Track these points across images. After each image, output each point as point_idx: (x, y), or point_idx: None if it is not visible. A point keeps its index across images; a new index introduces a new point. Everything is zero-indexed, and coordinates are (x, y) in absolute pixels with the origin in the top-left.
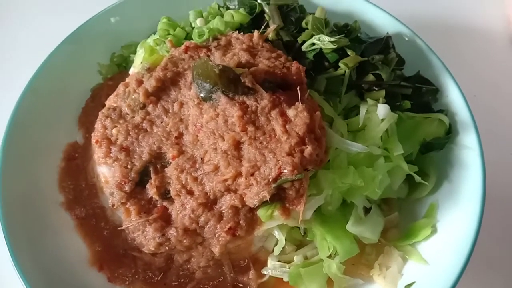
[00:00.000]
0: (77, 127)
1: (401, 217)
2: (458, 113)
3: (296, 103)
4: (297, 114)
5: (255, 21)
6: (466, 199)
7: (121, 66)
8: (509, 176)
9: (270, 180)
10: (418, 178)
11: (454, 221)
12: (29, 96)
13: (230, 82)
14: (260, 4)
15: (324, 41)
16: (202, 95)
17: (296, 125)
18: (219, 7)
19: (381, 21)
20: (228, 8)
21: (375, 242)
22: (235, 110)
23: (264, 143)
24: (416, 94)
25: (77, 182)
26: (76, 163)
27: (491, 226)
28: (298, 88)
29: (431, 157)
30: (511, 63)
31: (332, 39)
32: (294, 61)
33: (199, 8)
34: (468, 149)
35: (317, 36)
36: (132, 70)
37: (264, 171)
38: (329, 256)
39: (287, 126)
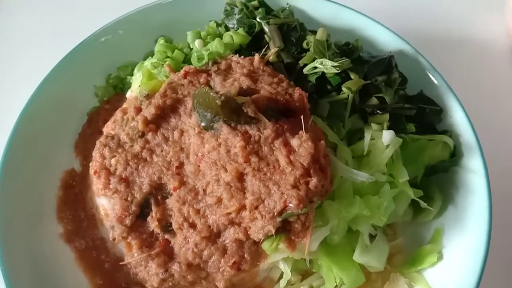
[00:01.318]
0: (74, 154)
1: (406, 241)
2: (463, 135)
3: (300, 132)
4: (301, 144)
5: (255, 40)
6: (472, 224)
7: (117, 88)
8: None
9: (275, 214)
10: (423, 204)
11: (461, 248)
12: (24, 123)
13: (232, 112)
14: (259, 23)
15: (326, 65)
16: (203, 124)
17: (301, 156)
18: (217, 24)
19: (383, 38)
20: (226, 27)
21: (381, 270)
22: (237, 140)
23: (268, 174)
24: (420, 114)
25: (75, 212)
26: (74, 192)
27: (499, 251)
28: (301, 116)
29: (435, 180)
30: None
31: (335, 64)
32: (297, 87)
33: (197, 26)
34: (473, 173)
35: (319, 60)
36: (130, 94)
37: (268, 204)
38: (335, 287)
39: (291, 157)
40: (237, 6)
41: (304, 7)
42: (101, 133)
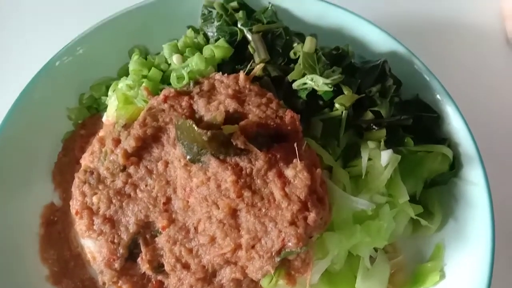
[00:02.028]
0: (52, 186)
1: (407, 258)
2: (462, 144)
3: (294, 161)
4: (297, 175)
5: (237, 51)
6: (475, 240)
7: (92, 108)
8: None
9: (274, 253)
10: (424, 222)
11: (464, 265)
12: None
13: (220, 145)
14: (241, 30)
15: (318, 82)
16: (189, 157)
17: (297, 188)
18: (194, 30)
19: (374, 38)
20: (205, 35)
21: None
22: (228, 174)
23: (263, 210)
24: (417, 122)
25: (60, 252)
26: (57, 230)
27: (504, 267)
28: (295, 143)
29: (435, 192)
30: (507, 62)
31: (327, 81)
32: (288, 110)
33: (172, 30)
34: (474, 185)
35: (309, 76)
36: (106, 118)
37: (266, 243)
38: None
39: (286, 189)
40: (214, 8)
41: (287, 6)
42: (78, 162)
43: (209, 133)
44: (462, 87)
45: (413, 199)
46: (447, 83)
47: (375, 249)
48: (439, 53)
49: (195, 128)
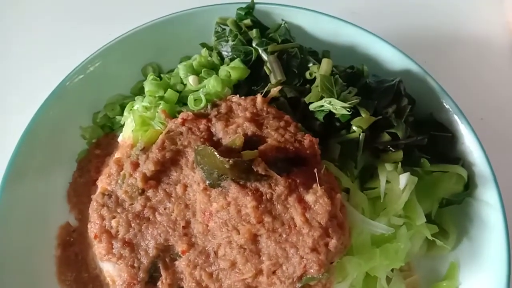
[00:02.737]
0: (67, 206)
1: (421, 275)
2: (476, 164)
3: (314, 185)
4: (317, 200)
5: (252, 70)
6: (490, 261)
7: (106, 127)
8: None
9: (295, 279)
10: (439, 243)
11: (479, 285)
12: (11, 177)
13: (241, 172)
14: (256, 49)
15: (336, 106)
16: (208, 182)
17: (317, 213)
18: (208, 48)
19: (388, 57)
20: (219, 54)
21: None
22: (248, 200)
23: (284, 235)
24: (431, 141)
25: (78, 273)
26: (74, 251)
27: None
28: (315, 169)
29: (449, 211)
30: None
31: (345, 105)
32: (306, 134)
33: (185, 51)
34: (489, 206)
35: (327, 100)
36: (121, 139)
37: (287, 269)
38: None
39: (307, 215)
40: (227, 26)
41: (301, 23)
42: (94, 183)
43: (231, 161)
44: (471, 99)
45: (428, 219)
46: (456, 95)
47: (391, 269)
48: (448, 66)
49: (217, 155)
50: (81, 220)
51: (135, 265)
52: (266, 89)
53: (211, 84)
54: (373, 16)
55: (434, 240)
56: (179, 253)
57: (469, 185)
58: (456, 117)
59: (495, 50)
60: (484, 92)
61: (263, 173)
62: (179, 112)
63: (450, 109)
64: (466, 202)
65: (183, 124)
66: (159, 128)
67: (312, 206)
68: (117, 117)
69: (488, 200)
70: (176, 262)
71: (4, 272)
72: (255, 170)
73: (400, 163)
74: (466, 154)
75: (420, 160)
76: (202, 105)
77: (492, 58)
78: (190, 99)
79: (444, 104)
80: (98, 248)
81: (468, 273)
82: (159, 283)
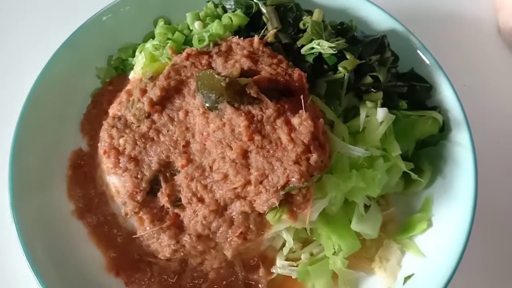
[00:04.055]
0: (80, 134)
1: (398, 211)
2: (451, 110)
3: (300, 111)
4: (302, 122)
5: (252, 21)
6: (460, 194)
7: (118, 69)
8: (497, 164)
9: (279, 187)
10: (414, 176)
11: (449, 216)
12: (31, 107)
13: (236, 93)
14: (256, 3)
15: (323, 46)
16: (207, 105)
17: (301, 133)
18: (215, 5)
19: (376, 18)
20: (224, 8)
21: (375, 237)
22: (241, 120)
23: (271, 151)
24: (411, 91)
25: (86, 190)
26: (83, 171)
27: (483, 218)
28: (301, 96)
29: (425, 153)
30: (498, 50)
31: (332, 45)
32: (296, 68)
33: (194, 7)
34: (461, 146)
35: (316, 41)
36: (132, 75)
37: (272, 179)
38: (334, 253)
39: (292, 135)
40: None
41: None
42: (106, 113)
43: (227, 79)
44: (455, 73)
45: (405, 158)
46: (441, 61)
47: (369, 199)
48: (436, 41)
49: (215, 75)
50: (92, 146)
51: (139, 176)
52: (262, 32)
53: (214, 27)
54: None
55: (410, 179)
56: (178, 168)
57: (444, 129)
58: (434, 69)
59: (482, 31)
60: (467, 62)
61: (255, 96)
62: (184, 50)
63: (429, 64)
64: (440, 144)
65: (187, 58)
66: (166, 62)
67: (297, 127)
68: (129, 58)
69: (460, 141)
70: (175, 177)
71: (24, 189)
72: (248, 92)
73: (380, 102)
74: (442, 103)
75: (399, 104)
76: (205, 43)
77: (479, 38)
78: (195, 38)
79: (425, 59)
80: (107, 163)
81: (440, 206)
82: (159, 193)
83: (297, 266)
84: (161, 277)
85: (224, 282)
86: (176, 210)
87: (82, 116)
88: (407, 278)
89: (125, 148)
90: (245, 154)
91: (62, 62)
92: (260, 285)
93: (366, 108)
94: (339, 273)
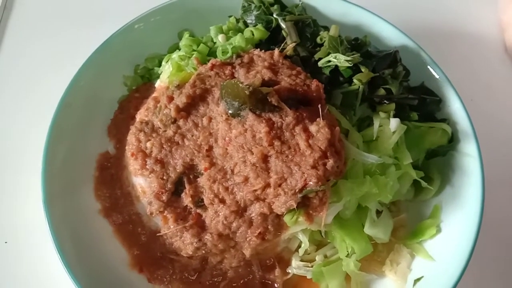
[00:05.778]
0: (107, 138)
1: (408, 217)
2: (460, 123)
3: (318, 119)
4: (319, 130)
5: (272, 35)
6: (467, 202)
7: (144, 78)
8: (505, 175)
9: (297, 190)
10: (424, 184)
11: (457, 222)
12: (63, 111)
13: (258, 101)
14: (276, 19)
15: (340, 60)
16: (230, 111)
17: (319, 140)
18: (237, 20)
19: (388, 34)
20: (245, 23)
21: (387, 242)
22: (262, 126)
23: (290, 156)
24: (421, 104)
25: (112, 191)
26: (110, 173)
27: (490, 225)
28: (319, 105)
29: (435, 162)
30: (505, 68)
31: (348, 58)
32: (314, 79)
33: (217, 21)
34: (469, 157)
35: (333, 55)
36: (158, 83)
37: (290, 182)
38: (347, 255)
39: (310, 141)
40: (253, 3)
41: (315, 4)
42: (132, 118)
43: (251, 88)
44: (463, 89)
45: (416, 167)
46: (449, 76)
47: (381, 205)
48: (445, 57)
49: (239, 84)
50: (118, 149)
51: (164, 178)
52: (282, 46)
53: (237, 40)
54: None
55: (420, 187)
56: (202, 171)
57: (453, 140)
58: (444, 84)
59: (488, 46)
60: (475, 78)
61: (276, 104)
62: (209, 61)
63: (439, 78)
64: (449, 154)
65: (212, 68)
66: (192, 72)
67: (315, 134)
68: (155, 68)
69: (468, 152)
70: (199, 179)
71: (55, 189)
72: (269, 100)
73: (392, 112)
74: (451, 115)
75: (410, 115)
76: (228, 55)
77: (485, 53)
78: (219, 50)
79: (434, 74)
80: (134, 165)
81: (449, 212)
82: (183, 194)
83: (311, 267)
84: (182, 274)
85: (242, 281)
86: (199, 210)
87: (109, 121)
88: (416, 281)
89: (151, 151)
90: (265, 158)
91: (93, 69)
92: (276, 285)
93: (379, 118)
94: (351, 275)
